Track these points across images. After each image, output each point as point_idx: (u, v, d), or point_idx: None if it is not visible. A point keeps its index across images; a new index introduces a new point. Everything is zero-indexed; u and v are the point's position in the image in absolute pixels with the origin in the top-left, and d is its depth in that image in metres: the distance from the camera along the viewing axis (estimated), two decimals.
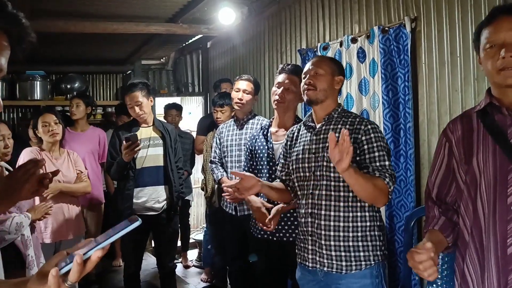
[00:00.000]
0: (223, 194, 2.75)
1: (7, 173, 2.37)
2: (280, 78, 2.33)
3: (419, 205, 2.39)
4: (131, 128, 3.04)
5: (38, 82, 5.01)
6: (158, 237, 3.19)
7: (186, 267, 4.56)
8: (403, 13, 2.50)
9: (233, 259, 3.02)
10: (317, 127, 1.86)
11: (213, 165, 3.00)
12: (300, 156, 1.87)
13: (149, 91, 3.08)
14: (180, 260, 4.62)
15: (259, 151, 2.45)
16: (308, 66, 1.88)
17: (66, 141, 3.61)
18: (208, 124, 3.80)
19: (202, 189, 3.72)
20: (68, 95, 5.12)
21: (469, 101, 2.13)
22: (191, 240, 4.78)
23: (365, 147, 1.73)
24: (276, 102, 2.33)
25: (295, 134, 1.98)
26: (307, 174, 1.82)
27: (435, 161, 1.41)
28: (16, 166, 2.70)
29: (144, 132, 3.07)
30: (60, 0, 3.44)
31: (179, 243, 4.52)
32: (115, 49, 5.03)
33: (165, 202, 3.05)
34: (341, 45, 2.89)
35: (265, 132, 2.46)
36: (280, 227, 2.31)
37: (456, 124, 1.35)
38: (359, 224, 1.74)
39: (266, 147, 2.41)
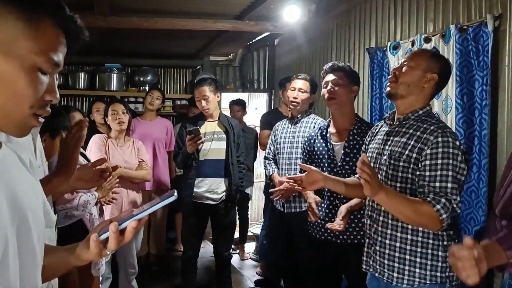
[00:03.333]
0: (269, 190, 2.79)
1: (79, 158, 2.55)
2: (326, 78, 2.31)
3: None
4: (197, 122, 3.18)
5: (114, 74, 5.34)
6: (215, 226, 3.31)
7: (243, 259, 4.64)
8: (485, 11, 2.31)
9: (281, 255, 3.05)
10: (391, 127, 1.73)
11: (267, 161, 3.09)
12: (370, 154, 1.78)
13: (217, 87, 3.21)
14: (237, 251, 4.72)
15: (318, 152, 2.42)
16: (405, 56, 1.76)
17: (136, 129, 3.86)
18: (272, 119, 3.84)
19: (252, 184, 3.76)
20: (141, 87, 5.39)
21: None
22: (249, 233, 4.85)
23: (427, 162, 1.53)
24: (327, 99, 2.29)
25: (376, 130, 1.87)
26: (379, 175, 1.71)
27: (506, 174, 1.30)
28: (88, 151, 2.92)
29: (209, 126, 3.20)
30: None
31: (237, 235, 4.64)
32: (185, 44, 5.21)
33: (224, 193, 3.15)
34: (412, 44, 2.74)
35: (323, 133, 2.41)
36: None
37: None
38: (419, 238, 1.59)
39: (326, 148, 2.37)
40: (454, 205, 1.47)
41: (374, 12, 3.30)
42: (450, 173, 1.49)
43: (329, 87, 2.28)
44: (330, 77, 2.30)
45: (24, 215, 0.79)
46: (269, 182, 3.61)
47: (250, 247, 4.86)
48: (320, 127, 2.49)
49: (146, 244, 4.11)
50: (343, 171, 2.29)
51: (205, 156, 3.13)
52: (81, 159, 2.62)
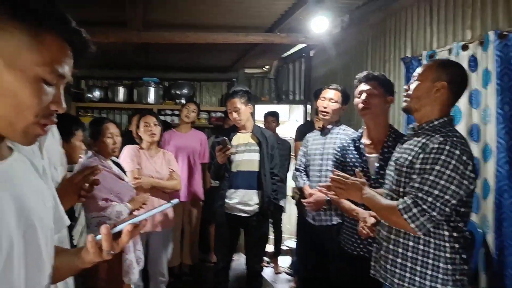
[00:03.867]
0: (302, 201, 2.74)
1: (113, 167, 2.63)
2: (359, 88, 2.26)
3: None
4: (230, 133, 3.19)
5: (152, 88, 5.51)
6: (248, 238, 3.29)
7: (277, 272, 4.59)
8: None
9: (312, 269, 2.98)
10: (407, 137, 1.79)
11: (298, 173, 3.03)
12: (391, 163, 1.80)
13: (249, 99, 3.20)
14: (271, 265, 4.67)
15: (351, 164, 2.36)
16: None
17: (171, 140, 3.95)
18: (307, 131, 3.81)
19: (293, 197, 3.71)
20: (177, 100, 5.51)
21: None
22: (285, 247, 4.79)
23: (417, 166, 1.58)
24: (360, 110, 2.24)
25: (405, 139, 1.87)
26: (386, 180, 1.81)
27: None
28: (121, 160, 3.00)
29: (242, 138, 3.20)
30: (166, 14, 3.75)
31: (271, 248, 4.59)
32: (220, 57, 5.30)
33: (256, 205, 3.13)
34: (450, 52, 2.64)
35: (356, 144, 2.36)
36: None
37: None
38: (420, 246, 1.60)
39: (359, 160, 2.31)
40: (425, 207, 1.49)
41: (410, 21, 3.22)
42: (431, 177, 1.50)
43: (363, 97, 2.23)
44: (364, 86, 2.25)
45: (31, 221, 0.82)
46: (296, 194, 3.59)
47: (285, 260, 4.79)
48: (354, 138, 2.43)
49: (179, 254, 4.15)
50: (377, 184, 2.21)
51: (238, 167, 3.13)
52: (116, 169, 2.70)
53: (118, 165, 2.79)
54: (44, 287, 0.88)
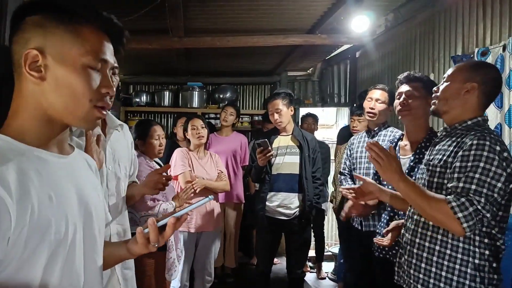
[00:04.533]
0: (343, 191, 2.70)
1: (156, 166, 2.71)
2: (400, 88, 2.18)
3: None
4: (271, 136, 3.17)
5: (196, 92, 5.61)
6: (289, 243, 3.25)
7: (321, 278, 4.50)
8: None
9: (360, 275, 2.88)
10: (438, 137, 1.69)
11: (342, 177, 2.93)
12: (421, 166, 1.75)
13: (291, 101, 3.18)
14: (315, 270, 4.59)
15: None
16: None
17: (212, 144, 4.01)
18: (347, 135, 3.71)
19: (331, 201, 3.63)
20: (220, 104, 5.58)
21: None
22: (328, 253, 4.69)
23: (457, 164, 1.47)
24: (399, 111, 2.17)
25: (436, 141, 1.78)
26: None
27: None
28: (171, 162, 3.09)
29: (283, 140, 3.17)
30: (207, 19, 3.80)
31: (313, 253, 4.50)
32: (262, 61, 5.31)
33: (297, 209, 3.08)
34: (504, 49, 2.46)
35: (394, 145, 2.27)
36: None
37: None
38: (447, 251, 1.51)
39: None
40: (479, 207, 1.38)
41: (461, 17, 3.05)
42: (477, 175, 1.41)
43: (401, 99, 2.15)
44: (405, 88, 2.17)
45: (90, 210, 0.93)
46: (334, 198, 3.51)
47: (328, 266, 4.69)
48: (394, 139, 2.37)
49: (222, 256, 4.17)
50: None
51: (278, 170, 3.10)
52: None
53: (161, 166, 2.85)
54: (98, 273, 0.96)
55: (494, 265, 1.49)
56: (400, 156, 2.23)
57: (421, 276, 1.57)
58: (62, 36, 0.85)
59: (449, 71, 1.66)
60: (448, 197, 1.43)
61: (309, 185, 3.09)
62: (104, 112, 0.90)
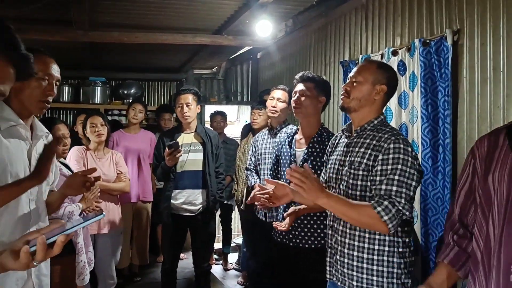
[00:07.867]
0: (255, 202, 2.81)
1: (63, 169, 2.60)
2: (296, 88, 2.39)
3: None
4: (175, 134, 3.21)
5: (99, 88, 5.41)
6: (194, 238, 3.31)
7: (226, 269, 4.67)
8: (445, 26, 2.44)
9: (265, 263, 3.07)
10: (350, 139, 1.78)
11: (248, 172, 3.11)
12: (332, 166, 1.82)
13: (199, 99, 3.25)
14: (221, 262, 4.75)
15: (283, 157, 2.50)
16: (353, 70, 1.80)
17: (120, 141, 3.89)
18: (247, 131, 3.92)
19: (233, 195, 3.81)
20: (125, 100, 5.45)
21: None
22: (233, 244, 4.87)
23: (378, 168, 1.58)
24: (293, 108, 2.38)
25: (336, 141, 1.92)
26: (333, 185, 1.78)
27: (460, 179, 1.35)
28: (68, 161, 2.96)
29: (186, 138, 3.22)
30: (115, 13, 3.72)
31: (220, 246, 4.65)
32: (169, 58, 5.31)
33: (201, 205, 3.17)
34: (382, 57, 2.86)
35: (290, 139, 2.50)
36: (296, 232, 2.32)
37: (483, 141, 1.27)
38: (375, 247, 1.62)
39: (289, 154, 2.46)
40: (400, 207, 1.50)
41: (348, 27, 3.42)
42: (396, 177, 1.53)
43: (295, 97, 2.36)
44: (299, 87, 2.38)
45: None
46: (235, 192, 3.68)
47: (233, 257, 4.89)
48: (291, 134, 2.57)
49: (128, 256, 4.11)
50: None
51: (183, 167, 3.15)
52: (65, 170, 2.67)
53: (67, 166, 2.76)
54: None
55: (412, 248, 1.67)
56: (296, 149, 2.43)
57: (354, 273, 1.64)
58: None
59: (358, 71, 1.75)
60: (372, 202, 1.53)
61: (212, 180, 3.19)
62: None
